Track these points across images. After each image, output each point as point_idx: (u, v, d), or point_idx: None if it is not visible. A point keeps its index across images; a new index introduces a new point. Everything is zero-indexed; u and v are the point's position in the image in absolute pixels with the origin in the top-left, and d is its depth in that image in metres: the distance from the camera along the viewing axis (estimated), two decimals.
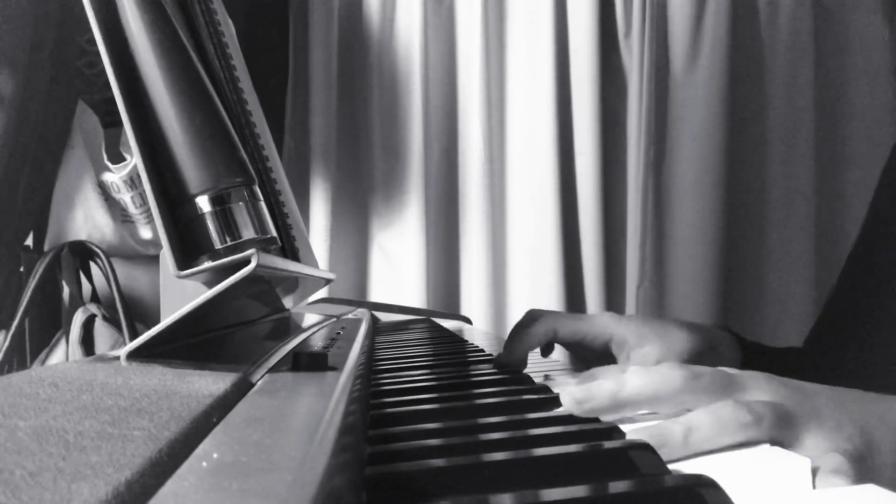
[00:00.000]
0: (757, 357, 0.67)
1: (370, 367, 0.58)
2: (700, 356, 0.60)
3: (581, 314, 0.67)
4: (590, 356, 0.63)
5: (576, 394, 0.38)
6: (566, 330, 0.61)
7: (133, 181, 1.22)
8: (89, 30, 0.34)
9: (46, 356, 1.16)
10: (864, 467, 0.35)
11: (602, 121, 1.53)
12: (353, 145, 1.53)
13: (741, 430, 0.34)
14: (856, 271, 0.71)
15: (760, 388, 0.38)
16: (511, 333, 0.61)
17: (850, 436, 0.36)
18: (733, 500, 0.24)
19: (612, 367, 0.52)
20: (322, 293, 1.28)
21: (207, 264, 0.33)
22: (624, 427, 0.34)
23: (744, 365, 0.62)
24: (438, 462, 0.28)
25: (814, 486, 0.30)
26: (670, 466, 0.27)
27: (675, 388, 0.38)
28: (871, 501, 0.25)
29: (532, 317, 0.62)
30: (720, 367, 0.40)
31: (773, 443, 0.34)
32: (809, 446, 0.35)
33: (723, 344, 0.63)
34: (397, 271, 1.50)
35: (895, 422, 0.37)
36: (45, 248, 1.24)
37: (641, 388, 0.38)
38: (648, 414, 0.40)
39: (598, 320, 0.62)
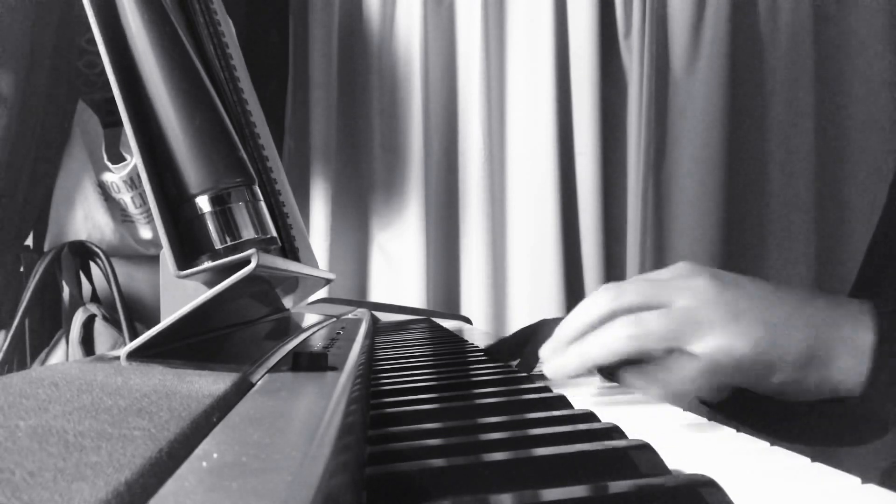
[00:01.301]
0: None
1: (370, 367, 0.58)
2: None
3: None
4: None
5: (548, 372, 0.45)
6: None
7: (133, 181, 1.22)
8: (89, 30, 0.34)
9: (46, 356, 1.16)
10: (760, 371, 0.39)
11: (602, 121, 1.52)
12: (353, 145, 1.53)
13: (629, 341, 0.40)
14: (872, 269, 0.72)
15: (688, 289, 0.41)
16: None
17: (757, 339, 0.39)
18: (733, 499, 0.24)
19: None
20: (322, 293, 1.28)
21: (207, 264, 0.33)
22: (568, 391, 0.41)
23: None
24: (438, 462, 0.28)
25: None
26: (671, 467, 0.27)
27: (602, 312, 0.42)
28: (871, 501, 0.25)
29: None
30: (653, 275, 0.45)
31: (666, 347, 0.40)
32: (704, 347, 0.39)
33: None
34: (397, 271, 1.49)
35: (835, 326, 0.41)
36: (45, 248, 1.24)
37: (576, 325, 0.43)
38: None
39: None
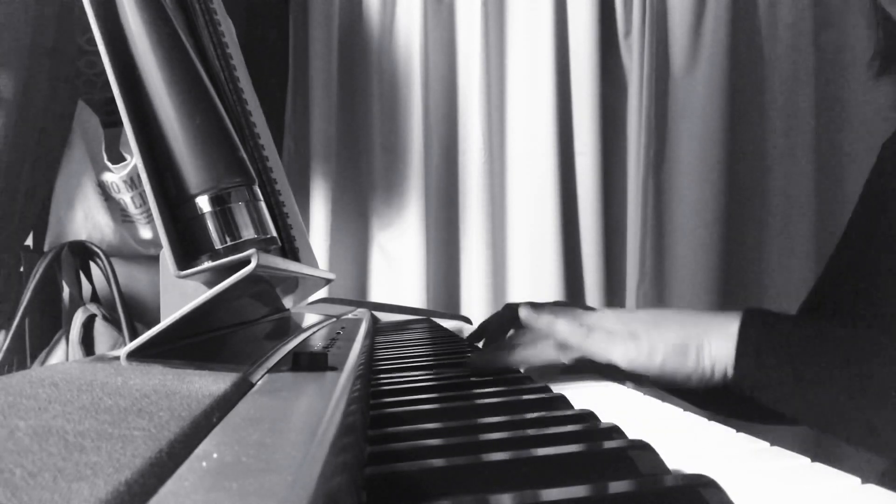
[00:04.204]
0: None
1: (370, 367, 0.58)
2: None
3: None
4: None
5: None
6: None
7: (133, 181, 1.22)
8: (89, 30, 0.34)
9: (46, 356, 1.16)
10: (642, 363, 0.51)
11: (602, 121, 1.52)
12: (353, 145, 1.53)
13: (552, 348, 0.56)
14: (843, 263, 0.76)
15: (596, 316, 0.57)
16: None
17: (638, 344, 0.52)
18: (733, 499, 0.24)
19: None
20: (322, 293, 1.28)
21: (207, 264, 0.33)
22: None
23: None
24: (438, 462, 0.28)
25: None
26: (671, 467, 0.27)
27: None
28: (871, 501, 0.25)
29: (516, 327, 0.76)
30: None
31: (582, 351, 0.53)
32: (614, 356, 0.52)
33: None
34: (397, 271, 1.49)
35: (676, 334, 0.52)
36: (45, 248, 1.24)
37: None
38: None
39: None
